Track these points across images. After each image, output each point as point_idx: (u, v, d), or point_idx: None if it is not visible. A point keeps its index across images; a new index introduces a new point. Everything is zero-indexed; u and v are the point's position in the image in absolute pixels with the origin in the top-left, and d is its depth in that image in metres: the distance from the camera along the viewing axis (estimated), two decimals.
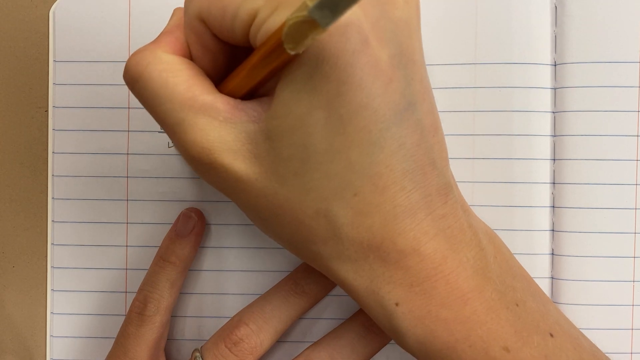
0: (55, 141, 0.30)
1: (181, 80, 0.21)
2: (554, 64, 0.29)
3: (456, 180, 0.26)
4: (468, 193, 0.29)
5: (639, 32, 0.28)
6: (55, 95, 0.30)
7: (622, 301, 0.28)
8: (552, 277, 0.29)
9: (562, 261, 0.29)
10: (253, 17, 0.20)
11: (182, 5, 0.22)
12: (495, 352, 0.22)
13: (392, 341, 0.28)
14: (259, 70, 0.20)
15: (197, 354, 0.27)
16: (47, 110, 0.31)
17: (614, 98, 0.28)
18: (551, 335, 0.23)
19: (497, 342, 0.22)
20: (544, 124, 0.29)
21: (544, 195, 0.29)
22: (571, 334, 0.24)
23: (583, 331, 0.26)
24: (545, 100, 0.29)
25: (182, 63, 0.22)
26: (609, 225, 0.28)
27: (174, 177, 0.30)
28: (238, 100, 0.21)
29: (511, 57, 0.29)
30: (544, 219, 0.29)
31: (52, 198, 0.30)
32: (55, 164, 0.30)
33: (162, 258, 0.28)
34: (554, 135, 0.29)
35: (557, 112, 0.29)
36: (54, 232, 0.30)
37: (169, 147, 0.30)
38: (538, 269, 0.29)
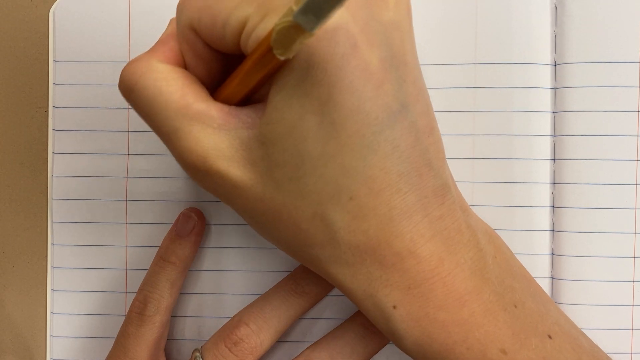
0: (55, 141, 0.30)
1: (175, 89, 0.21)
2: (554, 64, 0.29)
3: (456, 180, 0.26)
4: (468, 193, 0.29)
5: (639, 32, 0.28)
6: (55, 95, 0.30)
7: (622, 301, 0.28)
8: (552, 277, 0.29)
9: (562, 261, 0.29)
10: (243, 25, 0.20)
11: None
12: (492, 355, 0.22)
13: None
14: (251, 77, 0.20)
15: (197, 354, 0.27)
16: (47, 110, 0.31)
17: (614, 98, 0.28)
18: (549, 337, 0.23)
19: (495, 345, 0.22)
20: (544, 124, 0.29)
21: (544, 195, 0.29)
22: (571, 335, 0.24)
23: (583, 331, 0.26)
24: (545, 100, 0.29)
25: (176, 72, 0.22)
26: (609, 225, 0.28)
27: (174, 177, 0.30)
28: (232, 107, 0.21)
29: (511, 57, 0.29)
30: (544, 219, 0.29)
31: (52, 198, 0.30)
32: (55, 164, 0.30)
33: (162, 258, 0.28)
34: (554, 135, 0.29)
35: (557, 112, 0.29)
36: (54, 232, 0.30)
37: None
38: (538, 269, 0.29)
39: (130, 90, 0.22)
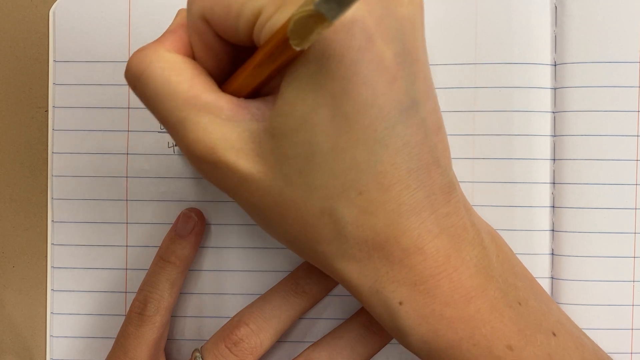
0: (55, 141, 0.30)
1: (184, 79, 0.21)
2: (554, 64, 0.29)
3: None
4: (468, 193, 0.29)
5: (639, 32, 0.28)
6: (55, 95, 0.30)
7: (622, 301, 0.28)
8: (552, 277, 0.29)
9: (562, 261, 0.29)
10: (257, 16, 0.19)
11: (184, 6, 0.22)
12: (499, 351, 0.22)
13: (392, 341, 0.28)
14: (263, 68, 0.20)
15: (197, 354, 0.27)
16: (47, 110, 0.31)
17: (614, 98, 0.28)
18: (554, 334, 0.23)
19: (501, 341, 0.22)
20: (544, 124, 0.29)
21: (544, 195, 0.29)
22: (573, 333, 0.24)
23: (583, 331, 0.26)
24: (545, 100, 0.29)
25: (184, 62, 0.22)
26: (609, 225, 0.28)
27: (174, 177, 0.30)
28: (241, 99, 0.21)
29: (511, 57, 0.29)
30: (544, 219, 0.29)
31: (52, 198, 0.30)
32: (55, 164, 0.30)
33: (162, 258, 0.28)
34: (554, 135, 0.29)
35: (557, 112, 0.29)
36: (54, 232, 0.30)
37: (168, 147, 0.30)
38: (538, 269, 0.29)
39: (137, 79, 0.21)
